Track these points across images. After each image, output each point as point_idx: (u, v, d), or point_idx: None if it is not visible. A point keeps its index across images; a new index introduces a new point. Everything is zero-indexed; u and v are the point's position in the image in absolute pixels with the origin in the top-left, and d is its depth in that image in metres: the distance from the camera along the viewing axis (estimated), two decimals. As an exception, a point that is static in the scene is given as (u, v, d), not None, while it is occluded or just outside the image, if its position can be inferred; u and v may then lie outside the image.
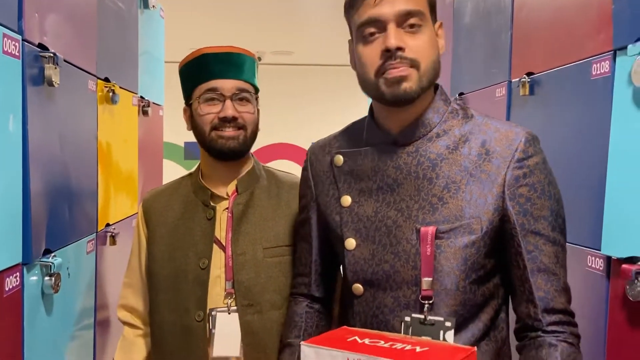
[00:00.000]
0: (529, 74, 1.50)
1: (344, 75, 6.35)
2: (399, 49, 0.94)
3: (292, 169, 1.43)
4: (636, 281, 1.01)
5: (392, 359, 0.75)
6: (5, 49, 0.95)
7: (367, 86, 1.00)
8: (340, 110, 5.97)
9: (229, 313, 1.25)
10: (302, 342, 0.85)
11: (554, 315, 0.95)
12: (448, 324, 0.94)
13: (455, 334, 0.95)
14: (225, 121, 1.25)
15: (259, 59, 6.42)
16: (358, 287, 1.01)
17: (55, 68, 1.13)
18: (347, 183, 1.05)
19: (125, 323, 1.40)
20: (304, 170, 1.15)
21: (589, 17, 1.25)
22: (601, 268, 1.15)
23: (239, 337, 1.24)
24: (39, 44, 1.11)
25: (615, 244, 1.09)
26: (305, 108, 6.49)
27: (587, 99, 1.24)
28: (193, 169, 1.40)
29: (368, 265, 1.00)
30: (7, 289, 0.96)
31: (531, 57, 1.52)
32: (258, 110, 1.35)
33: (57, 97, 1.20)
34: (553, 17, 1.42)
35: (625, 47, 1.08)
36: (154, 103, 2.21)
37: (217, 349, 1.24)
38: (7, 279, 0.97)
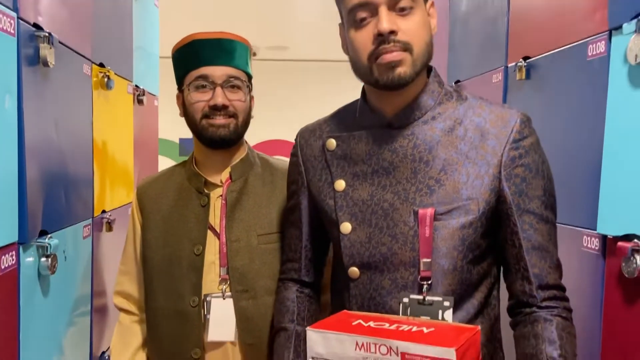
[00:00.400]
0: (525, 58, 1.50)
1: (339, 71, 6.37)
2: (392, 32, 0.93)
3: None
4: (632, 258, 1.01)
5: (402, 340, 0.76)
6: (0, 26, 0.94)
7: (360, 71, 0.99)
8: (335, 105, 5.98)
9: (224, 299, 1.25)
10: (308, 328, 0.85)
11: (548, 291, 0.97)
12: (447, 303, 0.95)
13: (454, 312, 0.96)
14: (215, 109, 1.25)
15: (254, 54, 6.43)
16: (354, 271, 1.01)
17: (50, 48, 1.12)
18: (340, 167, 1.05)
19: (121, 309, 1.40)
20: (293, 155, 1.14)
21: (585, -1, 1.25)
22: (597, 247, 1.15)
23: (234, 322, 1.25)
24: (34, 23, 1.10)
25: (611, 223, 1.10)
26: (301, 104, 6.48)
27: (583, 80, 1.24)
28: (185, 159, 1.40)
29: (365, 248, 1.00)
30: (3, 267, 0.96)
31: (527, 41, 1.52)
32: (252, 97, 1.35)
33: (52, 78, 1.19)
34: (549, 0, 1.43)
35: (621, 27, 1.08)
36: (149, 93, 2.20)
37: (212, 334, 1.25)
38: (3, 257, 0.96)
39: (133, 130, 1.97)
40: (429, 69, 1.04)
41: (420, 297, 0.95)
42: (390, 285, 0.98)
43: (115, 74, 1.66)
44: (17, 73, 1.02)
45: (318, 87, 6.50)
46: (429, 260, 0.95)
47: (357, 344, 0.78)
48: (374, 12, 0.94)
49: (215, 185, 1.32)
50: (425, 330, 0.80)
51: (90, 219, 1.50)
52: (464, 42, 1.98)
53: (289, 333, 1.09)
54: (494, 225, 0.99)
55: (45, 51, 1.11)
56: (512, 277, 1.00)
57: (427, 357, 0.73)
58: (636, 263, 1.01)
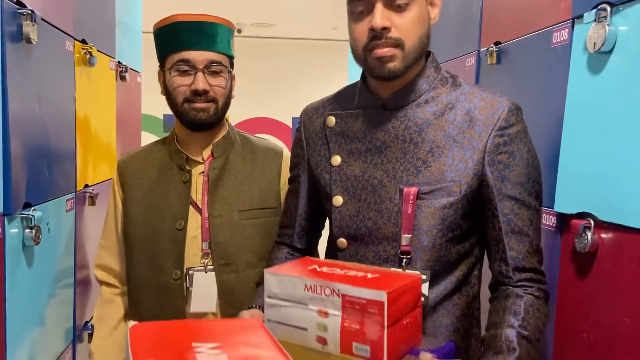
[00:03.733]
0: (496, 43, 1.55)
1: (325, 50, 6.37)
2: (385, 28, 0.98)
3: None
4: (584, 234, 1.09)
5: (344, 283, 0.83)
6: (-16, 4, 0.97)
7: (358, 59, 1.06)
8: (321, 84, 5.99)
9: (206, 272, 1.31)
10: (266, 270, 0.92)
11: (524, 274, 1.02)
12: (424, 276, 1.01)
13: (430, 287, 1.02)
14: (196, 94, 1.28)
15: (239, 31, 6.39)
16: (342, 241, 1.08)
17: (33, 25, 1.15)
18: (337, 144, 1.10)
19: (102, 282, 1.44)
20: (297, 130, 1.20)
21: (552, -12, 1.30)
22: (554, 225, 1.23)
23: (216, 295, 1.30)
24: (17, 1, 1.12)
25: (567, 202, 1.17)
26: (286, 82, 6.48)
27: (548, 65, 1.30)
28: (167, 134, 1.43)
29: (353, 221, 1.06)
30: (-12, 236, 1.00)
31: (499, 27, 1.57)
32: (233, 76, 1.38)
33: (34, 54, 1.22)
34: (520, -12, 1.48)
35: (582, 16, 1.14)
36: (131, 69, 2.22)
37: (194, 305, 1.30)
38: (-12, 227, 1.00)
39: (116, 107, 2.00)
40: (427, 54, 1.08)
41: (400, 270, 1.01)
42: (373, 257, 1.04)
43: (97, 50, 1.68)
44: (1, 50, 1.04)
45: (303, 65, 6.49)
46: (409, 236, 1.01)
47: (305, 285, 0.85)
48: (371, 7, 0.98)
49: (197, 162, 1.36)
50: (369, 276, 0.87)
51: (73, 192, 1.53)
52: (441, 25, 2.02)
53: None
54: (476, 207, 1.04)
55: (28, 28, 1.13)
56: (492, 259, 1.06)
57: (362, 298, 0.80)
58: (587, 239, 1.08)
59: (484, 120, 1.02)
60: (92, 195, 1.66)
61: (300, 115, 1.20)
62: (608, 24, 1.04)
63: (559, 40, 1.25)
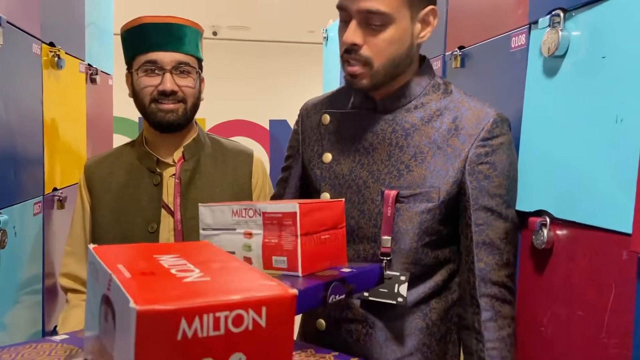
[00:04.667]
0: (460, 47, 1.59)
1: (301, 53, 6.39)
2: (355, 44, 0.99)
3: (249, 146, 1.48)
4: (540, 231, 1.13)
5: (264, 204, 0.91)
6: (-54, 6, 0.97)
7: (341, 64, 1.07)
8: (297, 87, 6.02)
9: None
10: (200, 204, 1.00)
11: (490, 288, 1.03)
12: (402, 278, 1.03)
13: (408, 288, 1.04)
14: (164, 95, 1.29)
15: (214, 33, 6.38)
16: None
17: (-2, 28, 1.14)
18: (330, 141, 1.13)
19: (68, 290, 1.41)
20: (296, 124, 1.24)
21: (511, -6, 1.34)
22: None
23: None
24: (-20, 3, 1.12)
25: (526, 201, 1.21)
26: (262, 84, 6.48)
27: (507, 69, 1.34)
28: (135, 138, 1.43)
29: None
30: (-49, 240, 1.00)
31: (463, 31, 1.61)
32: (203, 78, 1.39)
33: (0, 58, 1.22)
34: (482, -6, 1.52)
35: (537, 21, 1.18)
36: (102, 72, 2.21)
37: None
38: (-48, 231, 1.00)
39: (86, 110, 1.99)
40: (422, 59, 1.10)
41: None
42: (353, 256, 1.06)
43: (65, 53, 1.68)
44: (-37, 53, 1.04)
45: (279, 68, 6.51)
46: (388, 238, 1.03)
47: (232, 211, 0.94)
48: (350, 19, 1.00)
49: (167, 165, 1.37)
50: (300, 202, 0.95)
51: (41, 196, 1.53)
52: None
53: None
54: (455, 215, 1.06)
55: (-7, 31, 1.13)
56: (461, 268, 1.08)
57: (279, 212, 0.88)
58: (544, 236, 1.12)
59: (469, 130, 1.04)
60: (60, 198, 1.65)
61: (300, 110, 1.23)
62: (561, 29, 1.08)
63: (517, 44, 1.29)
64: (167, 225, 1.33)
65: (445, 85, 1.11)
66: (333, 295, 0.83)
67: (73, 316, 1.40)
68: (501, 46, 1.36)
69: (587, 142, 1.02)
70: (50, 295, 1.62)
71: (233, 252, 0.92)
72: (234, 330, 0.49)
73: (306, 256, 0.86)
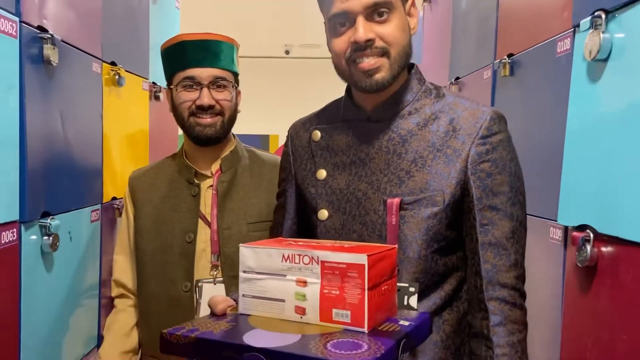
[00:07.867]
0: (509, 55, 1.53)
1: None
2: (369, 40, 0.98)
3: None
4: (583, 247, 1.05)
5: (322, 250, 0.84)
6: (2, 29, 1.07)
7: (341, 73, 1.06)
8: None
9: (215, 284, 1.34)
10: (240, 244, 0.91)
11: (498, 290, 0.97)
12: (412, 289, 0.98)
13: (419, 300, 0.99)
14: (202, 109, 1.34)
15: (287, 52, 6.54)
16: None
17: (54, 48, 1.24)
18: (323, 157, 1.11)
19: (116, 296, 1.49)
20: (285, 145, 1.22)
21: (557, -3, 1.28)
22: (559, 238, 1.19)
23: None
24: (38, 26, 1.22)
25: (570, 215, 1.13)
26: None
27: (553, 76, 1.27)
28: (177, 151, 1.49)
29: (338, 234, 1.06)
30: (3, 242, 1.09)
31: (512, 38, 1.55)
32: (239, 91, 1.43)
33: (57, 75, 1.32)
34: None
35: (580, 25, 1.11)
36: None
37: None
38: (4, 233, 1.09)
39: (149, 125, 2.10)
40: (410, 66, 1.09)
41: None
42: None
43: (126, 71, 1.79)
44: (20, 71, 1.14)
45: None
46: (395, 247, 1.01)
47: (283, 256, 0.85)
48: (353, 21, 0.99)
49: (205, 177, 1.42)
50: (346, 246, 0.89)
51: (99, 204, 1.62)
52: (463, 39, 2.01)
53: None
54: (461, 218, 1.02)
55: (49, 51, 1.23)
56: (468, 272, 1.03)
57: (342, 263, 0.81)
58: (587, 252, 1.04)
59: (467, 129, 1.01)
60: (119, 207, 1.75)
61: (288, 131, 1.21)
62: (603, 32, 1.01)
63: (562, 49, 1.22)
64: (203, 236, 1.36)
65: (437, 89, 1.08)
66: (402, 354, 0.77)
67: (118, 320, 1.47)
68: (547, 51, 1.29)
69: (633, 152, 0.94)
70: (107, 300, 1.71)
71: (282, 300, 0.86)
72: None
73: (372, 310, 0.80)
